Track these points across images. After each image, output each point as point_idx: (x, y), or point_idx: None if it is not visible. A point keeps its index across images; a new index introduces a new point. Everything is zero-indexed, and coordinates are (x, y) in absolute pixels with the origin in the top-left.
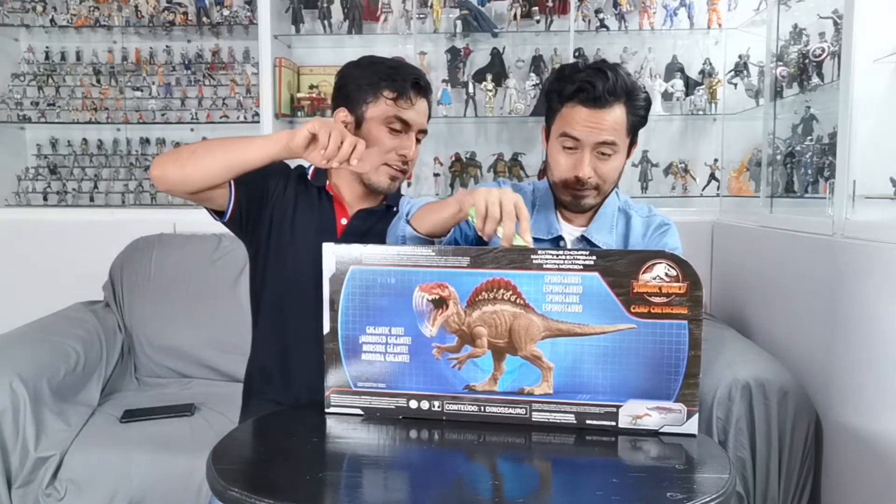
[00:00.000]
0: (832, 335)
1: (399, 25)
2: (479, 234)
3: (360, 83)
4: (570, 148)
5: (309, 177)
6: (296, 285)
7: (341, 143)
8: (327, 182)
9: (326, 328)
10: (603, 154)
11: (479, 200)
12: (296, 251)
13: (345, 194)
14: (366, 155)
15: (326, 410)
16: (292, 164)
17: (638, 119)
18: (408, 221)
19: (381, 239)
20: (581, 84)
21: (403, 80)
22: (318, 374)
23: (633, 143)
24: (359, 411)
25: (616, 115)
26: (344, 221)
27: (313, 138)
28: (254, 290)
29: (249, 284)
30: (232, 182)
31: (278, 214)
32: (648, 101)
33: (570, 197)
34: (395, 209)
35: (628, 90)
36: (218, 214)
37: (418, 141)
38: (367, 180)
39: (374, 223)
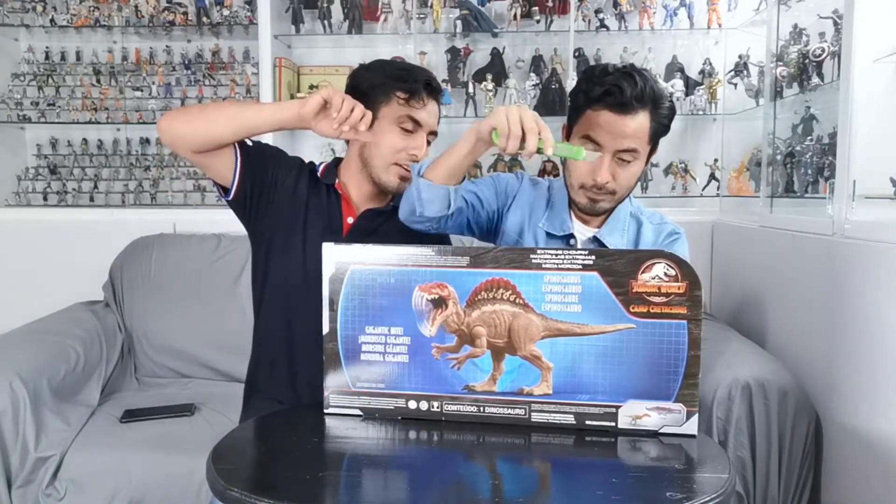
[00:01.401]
0: (832, 335)
1: (399, 25)
2: (502, 152)
3: (373, 83)
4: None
5: (319, 174)
6: (301, 281)
7: (352, 110)
8: (336, 180)
9: (326, 328)
10: (623, 160)
11: (500, 120)
12: (302, 247)
13: (353, 193)
14: (376, 152)
15: (325, 411)
16: (304, 159)
17: (661, 127)
18: (421, 175)
19: (386, 239)
20: (609, 88)
21: (416, 80)
22: (321, 371)
23: (653, 150)
24: (357, 412)
25: (640, 121)
26: (350, 220)
27: (324, 106)
28: (256, 283)
29: (252, 276)
30: (239, 158)
31: (287, 207)
32: (673, 110)
33: (585, 200)
34: None
35: (654, 97)
36: (223, 191)
37: (428, 143)
38: (377, 179)
39: (380, 223)
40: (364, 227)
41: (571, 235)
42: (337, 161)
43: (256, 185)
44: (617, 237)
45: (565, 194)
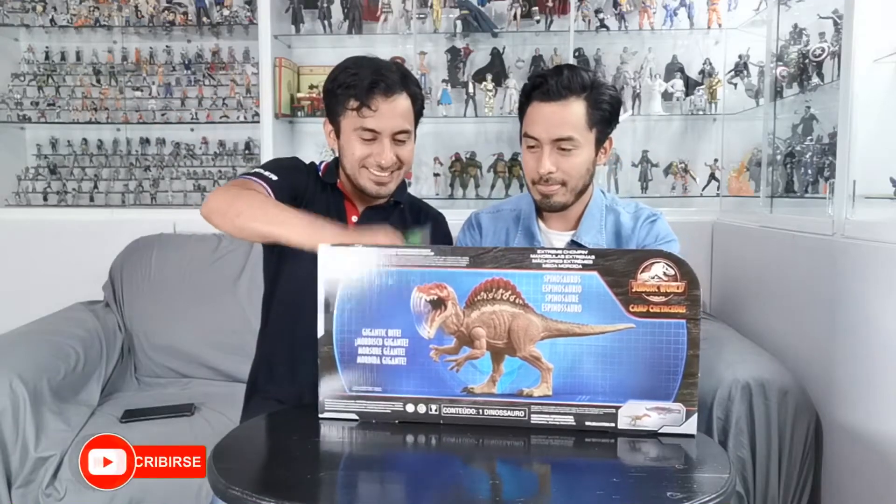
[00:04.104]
0: (832, 335)
1: (399, 25)
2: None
3: (330, 95)
4: (532, 147)
5: (320, 173)
6: (308, 283)
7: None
8: (338, 180)
9: (321, 331)
10: (563, 150)
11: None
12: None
13: (352, 193)
14: (345, 162)
15: (320, 416)
16: (304, 159)
17: (602, 114)
18: None
19: None
20: (535, 81)
21: (361, 87)
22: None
23: (603, 140)
24: (353, 416)
25: (573, 109)
26: (354, 219)
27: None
28: (267, 287)
29: (264, 280)
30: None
31: (300, 201)
32: (614, 98)
33: (539, 196)
34: (401, 205)
35: (586, 84)
36: None
37: (401, 142)
38: (357, 184)
39: (382, 220)
40: (367, 225)
41: (541, 246)
42: (338, 160)
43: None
44: (594, 234)
45: (533, 204)
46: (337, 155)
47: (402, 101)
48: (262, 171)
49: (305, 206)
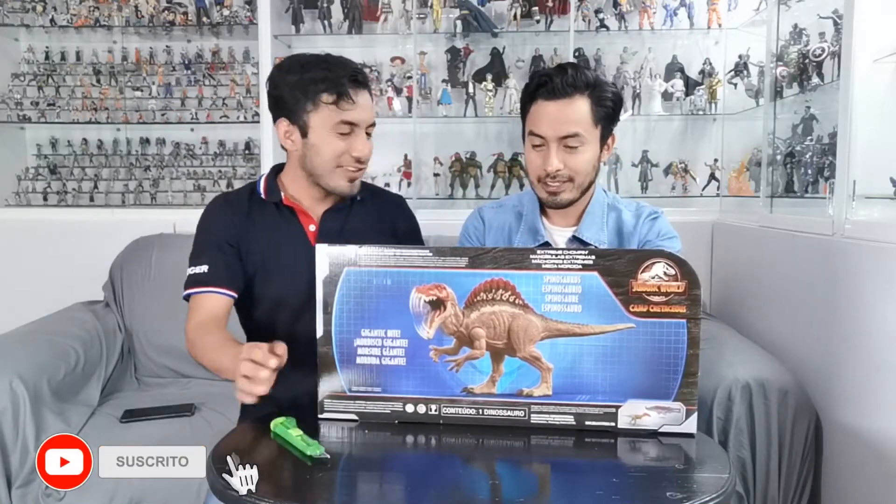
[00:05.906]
0: (832, 335)
1: (399, 25)
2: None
3: (294, 91)
4: (538, 146)
5: (262, 195)
6: (284, 301)
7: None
8: (282, 195)
9: (320, 332)
10: (570, 147)
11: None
12: (275, 270)
13: (304, 202)
14: (318, 161)
15: (319, 416)
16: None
17: (606, 111)
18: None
19: (356, 235)
20: (540, 79)
21: (339, 79)
22: (314, 377)
23: (607, 137)
24: (353, 416)
25: (578, 107)
26: (312, 228)
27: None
28: (241, 308)
29: (236, 303)
30: (230, 292)
31: (245, 244)
32: (616, 95)
33: (545, 193)
34: (359, 198)
35: (590, 82)
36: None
37: (368, 135)
38: (327, 186)
39: (344, 221)
40: (330, 230)
41: (546, 243)
42: (276, 170)
43: (240, 266)
44: (595, 230)
45: (536, 200)
46: (299, 155)
47: (368, 97)
48: (195, 269)
49: (248, 244)
